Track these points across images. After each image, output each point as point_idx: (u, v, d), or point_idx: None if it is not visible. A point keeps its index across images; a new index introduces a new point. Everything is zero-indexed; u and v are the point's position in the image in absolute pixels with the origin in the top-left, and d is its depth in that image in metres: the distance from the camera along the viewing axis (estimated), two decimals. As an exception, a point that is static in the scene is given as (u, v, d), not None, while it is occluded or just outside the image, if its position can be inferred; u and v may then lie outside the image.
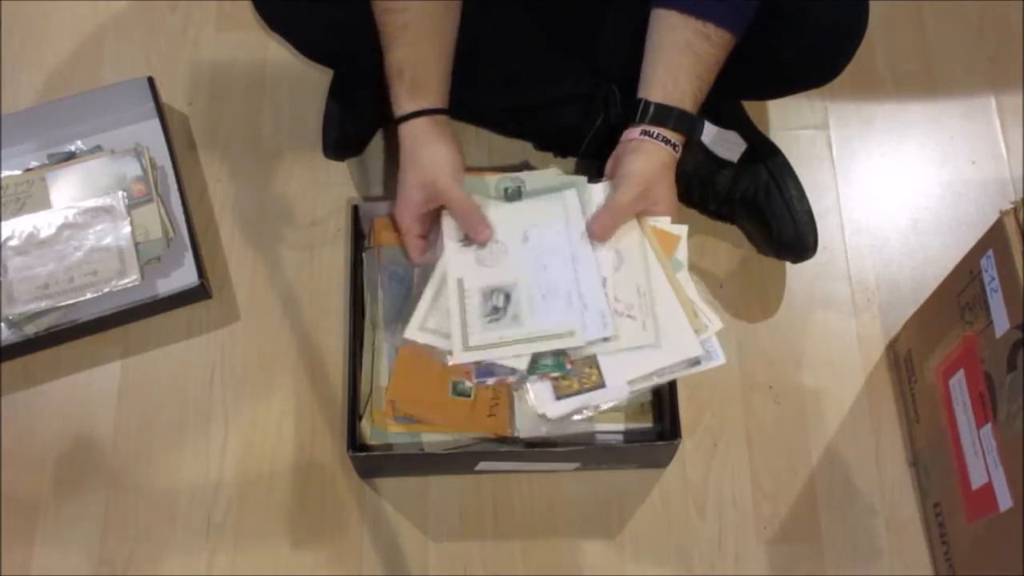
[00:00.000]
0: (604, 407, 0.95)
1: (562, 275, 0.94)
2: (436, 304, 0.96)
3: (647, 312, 0.94)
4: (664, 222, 0.98)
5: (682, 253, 0.98)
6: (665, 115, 0.96)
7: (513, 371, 0.93)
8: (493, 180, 1.01)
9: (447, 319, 0.94)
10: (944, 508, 1.06)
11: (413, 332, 0.95)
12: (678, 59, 0.96)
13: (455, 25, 1.00)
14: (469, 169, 1.01)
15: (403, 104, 0.97)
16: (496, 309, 0.94)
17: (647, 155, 0.96)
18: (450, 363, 0.93)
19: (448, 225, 0.98)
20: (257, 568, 1.10)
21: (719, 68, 0.97)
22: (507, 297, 0.94)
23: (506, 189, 1.00)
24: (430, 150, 0.96)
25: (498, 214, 0.98)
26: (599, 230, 0.96)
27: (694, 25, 0.95)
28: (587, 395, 0.93)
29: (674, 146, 0.97)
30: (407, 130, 0.97)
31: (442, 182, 0.95)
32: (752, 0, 0.96)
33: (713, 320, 0.95)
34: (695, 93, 0.97)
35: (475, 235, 0.95)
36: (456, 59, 1.01)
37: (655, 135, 0.96)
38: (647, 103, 0.97)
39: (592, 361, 0.94)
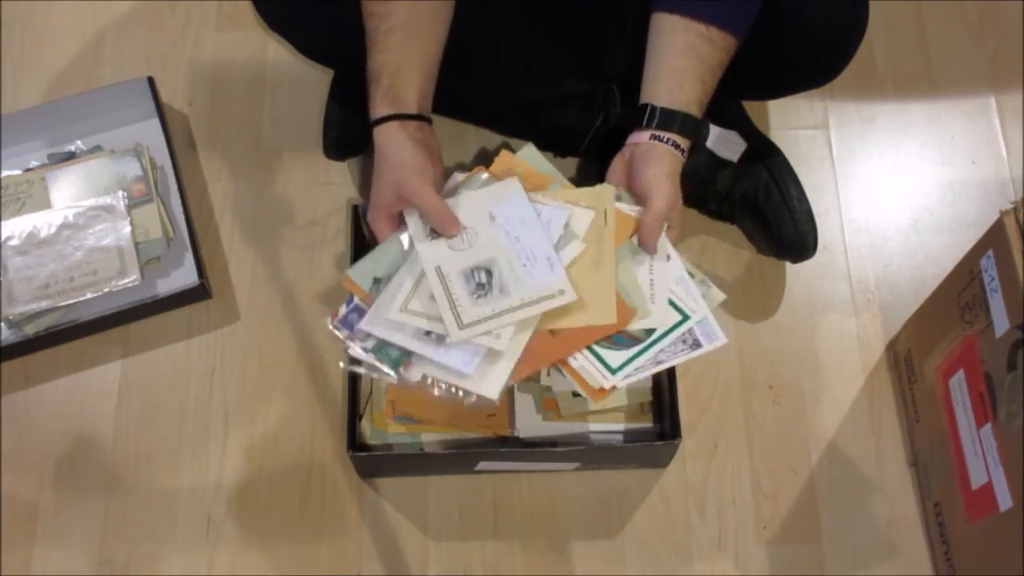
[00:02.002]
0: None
1: (536, 242, 0.94)
2: (418, 291, 0.95)
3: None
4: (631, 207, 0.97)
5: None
6: (671, 120, 0.95)
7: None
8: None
9: (432, 303, 0.94)
10: (944, 508, 1.06)
11: (395, 313, 0.94)
12: (682, 63, 0.95)
13: (442, 31, 0.99)
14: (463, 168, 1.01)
15: (378, 108, 0.97)
16: (481, 286, 0.93)
17: (663, 160, 0.95)
18: (452, 342, 0.91)
19: (413, 222, 0.98)
20: (257, 568, 1.11)
21: (722, 71, 0.97)
22: (488, 273, 0.94)
23: None
24: (397, 152, 0.96)
25: (461, 203, 0.97)
26: (653, 242, 0.94)
27: (696, 28, 0.94)
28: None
29: (681, 151, 0.96)
30: (379, 133, 0.97)
31: (411, 182, 0.95)
32: (753, 2, 0.96)
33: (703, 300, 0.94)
34: (700, 97, 0.96)
35: (444, 230, 0.95)
36: (456, 59, 1.01)
37: (664, 139, 0.95)
38: (653, 108, 0.95)
39: None
